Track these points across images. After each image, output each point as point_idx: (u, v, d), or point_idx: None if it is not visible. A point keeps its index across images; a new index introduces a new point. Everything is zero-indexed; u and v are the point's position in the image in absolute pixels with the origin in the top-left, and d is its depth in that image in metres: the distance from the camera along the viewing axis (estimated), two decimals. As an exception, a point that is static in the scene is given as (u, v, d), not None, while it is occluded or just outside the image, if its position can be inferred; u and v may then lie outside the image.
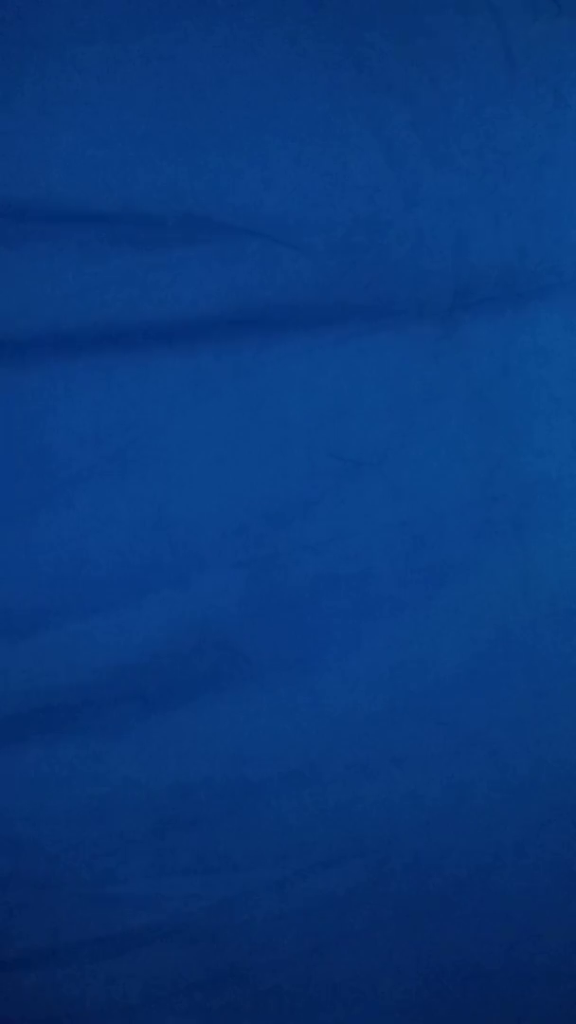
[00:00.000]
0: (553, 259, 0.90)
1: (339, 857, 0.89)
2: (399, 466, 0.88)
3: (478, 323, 0.89)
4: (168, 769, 0.84)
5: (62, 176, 0.75)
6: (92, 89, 0.76)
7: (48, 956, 0.83)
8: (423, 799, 0.91)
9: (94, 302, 0.78)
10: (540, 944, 0.96)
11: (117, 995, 0.84)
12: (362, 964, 0.91)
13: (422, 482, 0.89)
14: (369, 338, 0.85)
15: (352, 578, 0.87)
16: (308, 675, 0.87)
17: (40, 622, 0.81)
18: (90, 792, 0.82)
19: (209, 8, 0.77)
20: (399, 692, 0.89)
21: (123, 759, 0.83)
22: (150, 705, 0.83)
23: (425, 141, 0.83)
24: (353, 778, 0.89)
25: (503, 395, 0.91)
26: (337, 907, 0.89)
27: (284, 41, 0.79)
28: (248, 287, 0.81)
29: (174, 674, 0.83)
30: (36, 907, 0.83)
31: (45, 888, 0.82)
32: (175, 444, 0.82)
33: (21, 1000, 0.83)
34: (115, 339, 0.79)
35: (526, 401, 0.92)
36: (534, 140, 0.87)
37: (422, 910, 0.92)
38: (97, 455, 0.80)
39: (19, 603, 0.80)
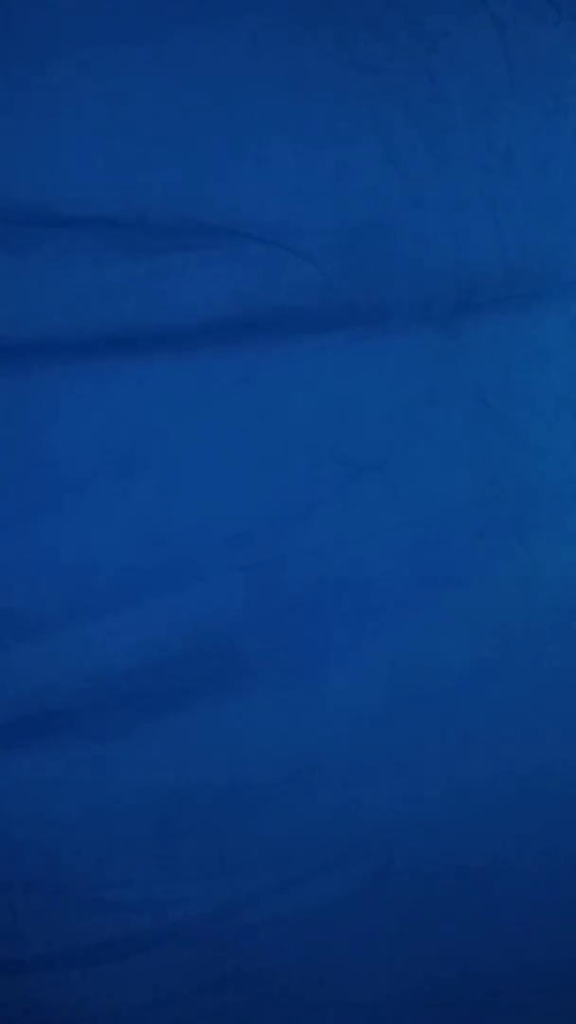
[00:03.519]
0: (555, 261, 0.90)
1: (341, 860, 0.89)
2: (402, 469, 0.88)
3: (481, 325, 0.89)
4: (170, 773, 0.84)
5: (65, 181, 0.76)
6: (95, 93, 0.76)
7: (51, 960, 0.83)
8: (425, 802, 0.91)
9: (97, 307, 0.78)
10: (542, 946, 0.96)
11: (119, 999, 0.85)
12: (364, 967, 0.91)
13: (424, 485, 0.89)
14: (372, 341, 0.85)
15: (354, 581, 0.87)
16: (310, 679, 0.87)
17: (42, 626, 0.81)
18: (91, 796, 0.82)
19: (211, 13, 0.77)
20: (401, 695, 0.89)
21: (124, 763, 0.83)
22: (151, 709, 0.83)
23: (427, 144, 0.83)
24: (355, 781, 0.89)
25: (505, 397, 0.91)
26: (339, 910, 0.89)
27: (286, 45, 0.79)
28: (251, 292, 0.81)
29: (175, 678, 0.83)
30: (38, 911, 0.83)
31: (47, 893, 0.83)
32: (177, 448, 0.82)
33: (24, 1004, 0.83)
34: (118, 344, 0.79)
35: (528, 403, 0.92)
36: (535, 143, 0.87)
37: (424, 913, 0.92)
38: (99, 459, 0.80)
39: (20, 607, 0.80)
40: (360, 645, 0.88)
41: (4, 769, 0.81)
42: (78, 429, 0.79)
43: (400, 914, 0.91)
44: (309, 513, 0.86)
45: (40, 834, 0.82)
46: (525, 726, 0.93)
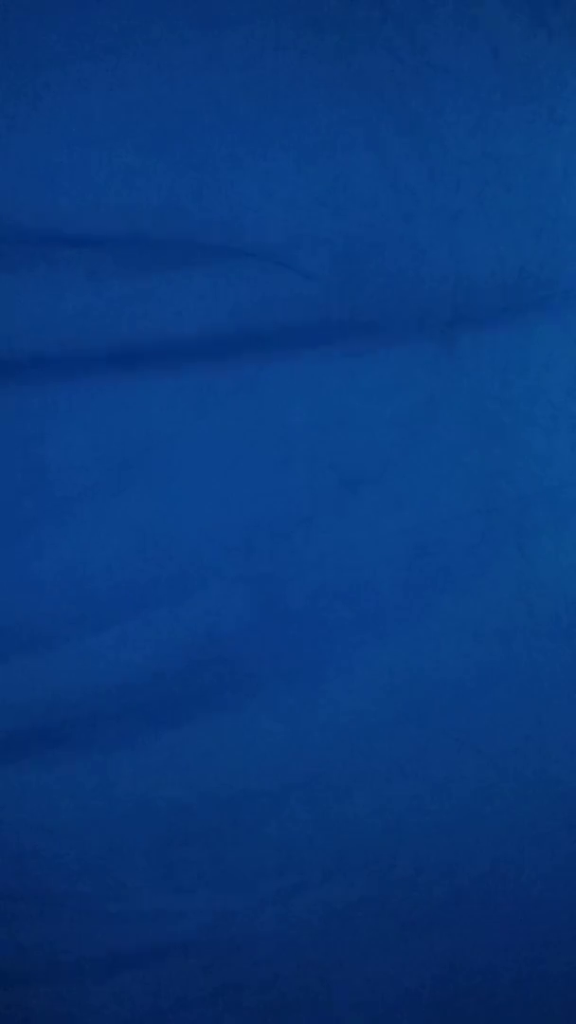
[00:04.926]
0: (552, 272, 0.90)
1: (342, 869, 0.89)
2: (399, 479, 0.88)
3: (477, 336, 0.89)
4: (170, 784, 0.84)
5: (62, 198, 0.76)
6: (90, 108, 0.76)
7: (50, 972, 0.83)
8: (426, 810, 0.91)
9: (94, 323, 0.78)
10: (546, 954, 0.96)
11: (120, 1012, 0.85)
12: (366, 976, 0.91)
13: (422, 494, 0.89)
14: (369, 354, 0.85)
15: (353, 591, 0.88)
16: (310, 688, 0.87)
17: (41, 639, 0.81)
18: (92, 807, 0.83)
19: (208, 26, 0.77)
20: (401, 703, 0.89)
21: (125, 774, 0.83)
22: (152, 720, 0.83)
23: (422, 156, 0.83)
24: (355, 790, 0.89)
25: (503, 407, 0.91)
26: (341, 919, 0.89)
27: (282, 59, 0.79)
28: (247, 307, 0.81)
29: (176, 689, 0.84)
30: (38, 923, 0.83)
31: (47, 904, 0.83)
32: (175, 461, 0.82)
33: (23, 1016, 0.84)
34: (115, 359, 0.79)
35: (526, 413, 0.91)
36: (531, 155, 0.87)
37: (426, 921, 0.92)
38: (96, 473, 0.80)
39: (19, 620, 0.81)
40: (359, 654, 0.88)
41: (4, 780, 0.81)
42: (76, 443, 0.79)
43: (402, 922, 0.91)
44: (307, 524, 0.86)
45: (40, 845, 0.82)
46: (526, 733, 0.93)
